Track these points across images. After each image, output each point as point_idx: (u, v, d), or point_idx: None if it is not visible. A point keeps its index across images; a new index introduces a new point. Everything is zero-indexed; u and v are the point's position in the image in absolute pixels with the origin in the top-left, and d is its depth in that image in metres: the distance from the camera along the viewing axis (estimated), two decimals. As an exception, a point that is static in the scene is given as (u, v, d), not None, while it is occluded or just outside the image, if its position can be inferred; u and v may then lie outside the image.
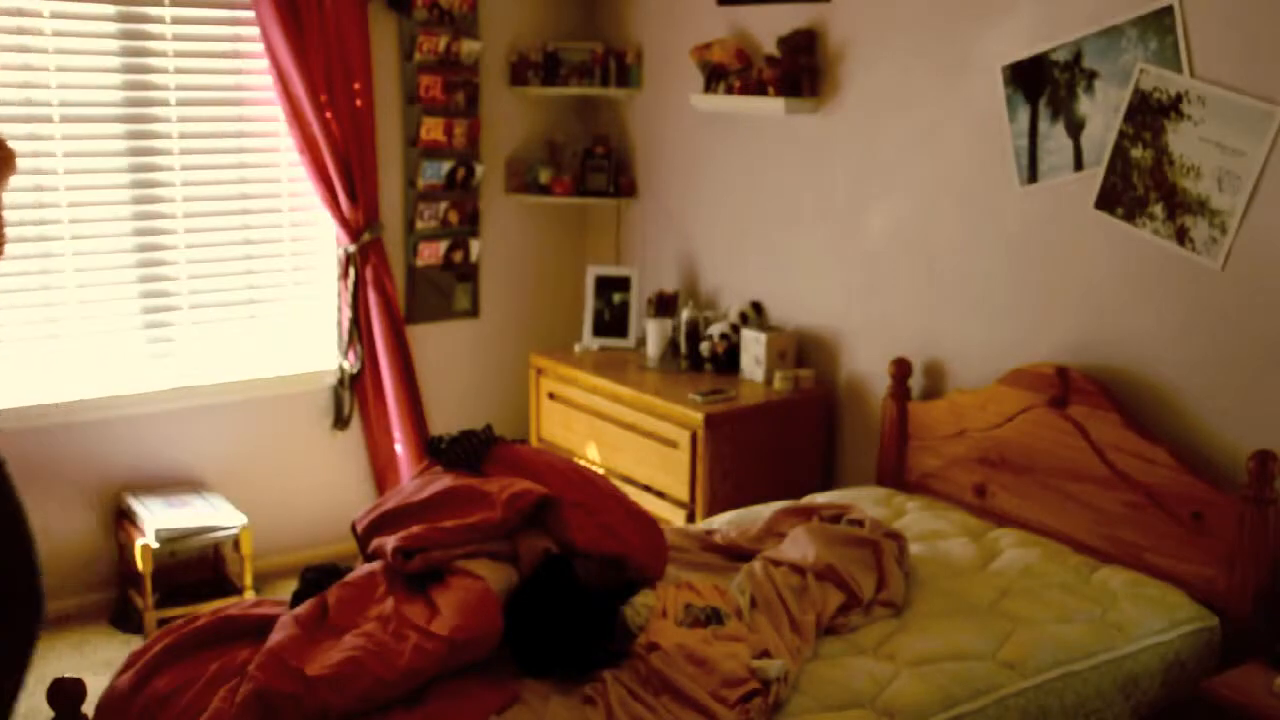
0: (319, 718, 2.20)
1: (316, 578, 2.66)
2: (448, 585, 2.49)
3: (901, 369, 3.70)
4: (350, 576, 2.62)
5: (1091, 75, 3.19)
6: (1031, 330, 3.43)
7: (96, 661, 3.77)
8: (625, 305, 4.62)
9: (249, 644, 2.43)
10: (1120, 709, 2.67)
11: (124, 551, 4.10)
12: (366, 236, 4.38)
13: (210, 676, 2.34)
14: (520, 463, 2.84)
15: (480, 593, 2.44)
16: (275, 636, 2.36)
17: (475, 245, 4.76)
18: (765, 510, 3.29)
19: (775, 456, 3.93)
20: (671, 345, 4.38)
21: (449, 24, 4.54)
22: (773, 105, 3.95)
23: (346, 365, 4.50)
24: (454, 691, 2.32)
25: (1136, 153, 3.11)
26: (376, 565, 2.64)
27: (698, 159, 4.52)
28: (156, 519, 3.91)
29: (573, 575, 2.55)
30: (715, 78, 4.19)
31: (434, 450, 2.93)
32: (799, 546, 2.91)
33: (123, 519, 4.08)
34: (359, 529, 2.82)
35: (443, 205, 4.65)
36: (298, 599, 2.58)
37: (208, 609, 2.69)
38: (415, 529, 2.61)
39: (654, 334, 4.37)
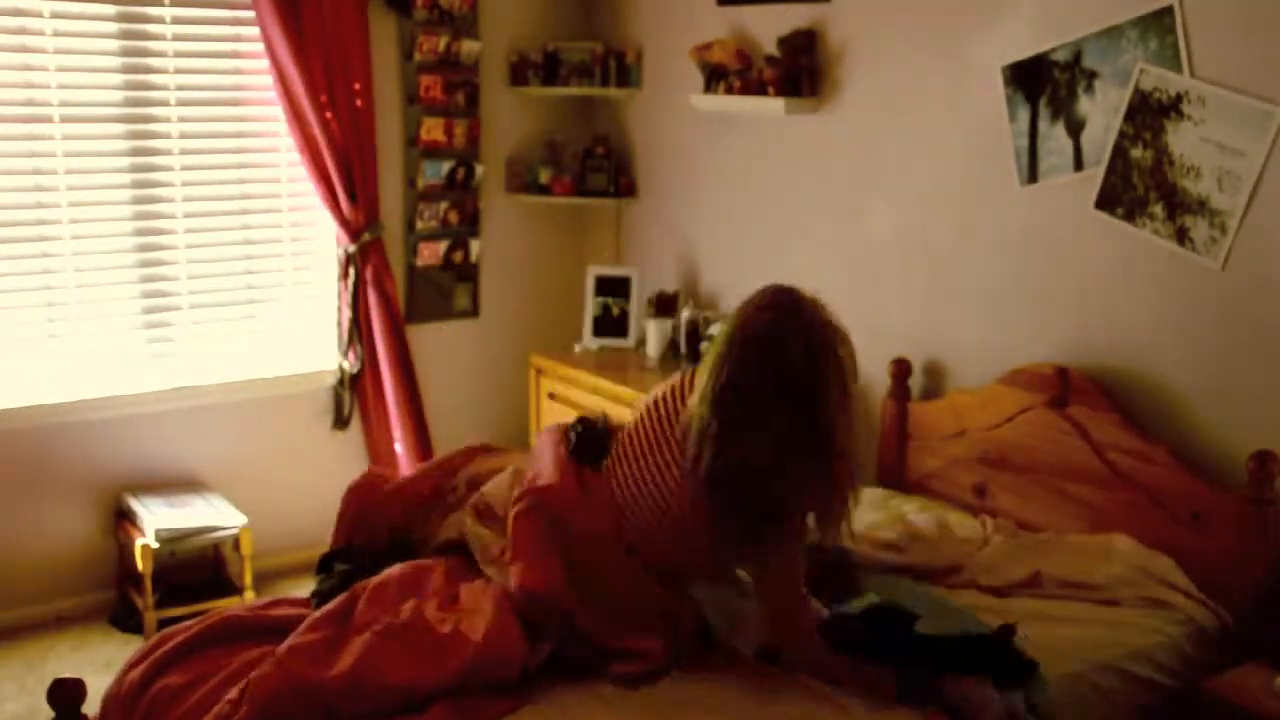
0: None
1: (348, 569, 2.65)
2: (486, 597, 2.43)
3: (901, 369, 3.70)
4: (396, 573, 2.57)
5: (1091, 75, 3.19)
6: (1031, 330, 3.43)
7: (96, 661, 3.77)
8: (624, 312, 4.61)
9: (262, 643, 2.44)
10: (1119, 708, 2.66)
11: (124, 551, 4.10)
12: (366, 236, 4.38)
13: (223, 674, 2.35)
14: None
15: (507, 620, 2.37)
16: (290, 640, 2.35)
17: (475, 245, 4.76)
18: None
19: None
20: (671, 345, 4.38)
21: (449, 24, 4.54)
22: (773, 105, 3.95)
23: (346, 365, 4.51)
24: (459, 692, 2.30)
25: (1136, 153, 3.11)
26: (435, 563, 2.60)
27: (698, 159, 4.52)
28: (156, 519, 3.91)
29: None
30: (715, 78, 4.19)
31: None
32: None
33: (123, 519, 4.08)
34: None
35: (443, 205, 4.65)
36: (323, 597, 2.58)
37: (208, 609, 2.69)
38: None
39: (654, 334, 4.38)
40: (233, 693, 2.24)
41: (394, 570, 2.58)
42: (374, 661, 2.27)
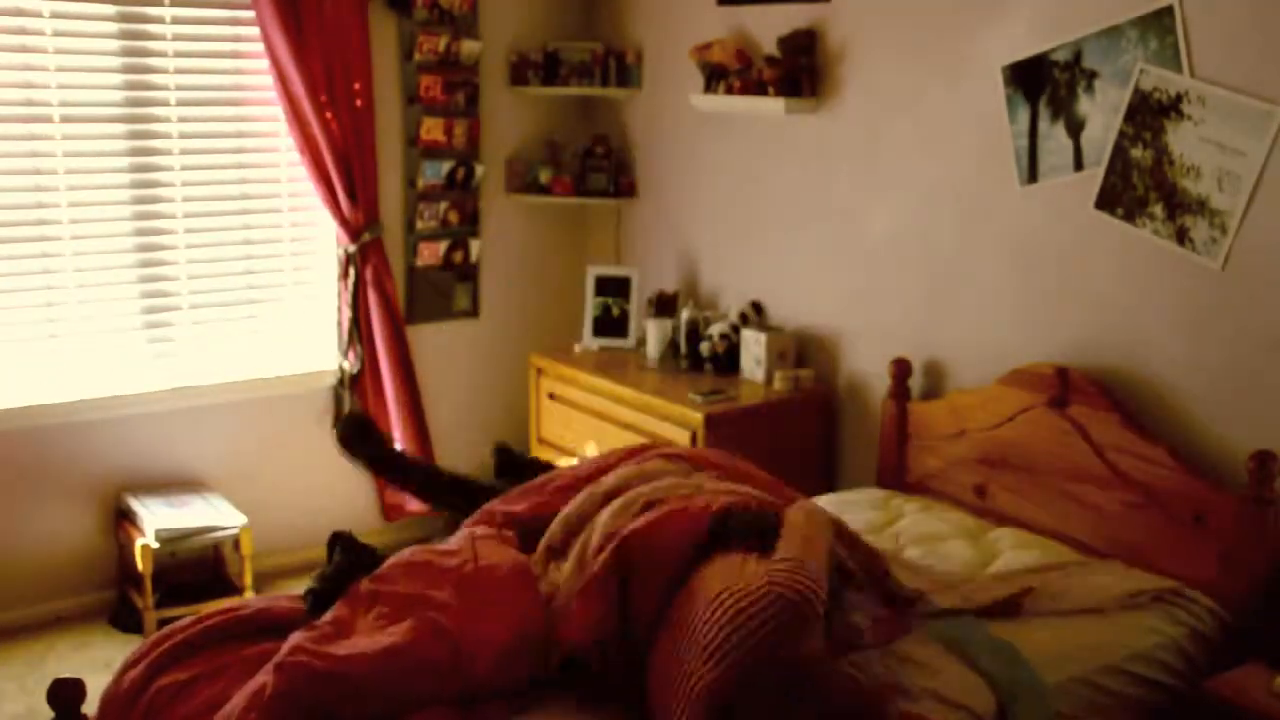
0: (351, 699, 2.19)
1: (343, 564, 2.67)
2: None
3: (901, 369, 3.70)
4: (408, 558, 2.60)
5: (1091, 75, 3.19)
6: (1031, 330, 3.43)
7: (96, 661, 3.77)
8: (624, 312, 4.61)
9: (262, 640, 2.45)
10: (1120, 709, 2.66)
11: (124, 551, 4.10)
12: (366, 236, 4.38)
13: (223, 672, 2.36)
14: None
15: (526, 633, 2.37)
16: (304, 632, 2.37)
17: (475, 245, 4.76)
18: None
19: (775, 457, 3.91)
20: (671, 345, 4.38)
21: (449, 24, 4.54)
22: (773, 105, 3.95)
23: (346, 365, 4.50)
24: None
25: (1136, 153, 3.11)
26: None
27: (698, 159, 4.52)
28: (156, 519, 3.91)
29: None
30: (715, 78, 4.19)
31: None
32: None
33: (123, 519, 4.08)
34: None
35: (443, 205, 4.65)
36: (316, 595, 2.59)
37: (208, 609, 2.69)
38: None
39: (654, 334, 4.38)
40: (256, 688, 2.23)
41: (402, 558, 2.61)
42: (405, 648, 2.27)
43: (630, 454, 3.03)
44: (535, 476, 3.08)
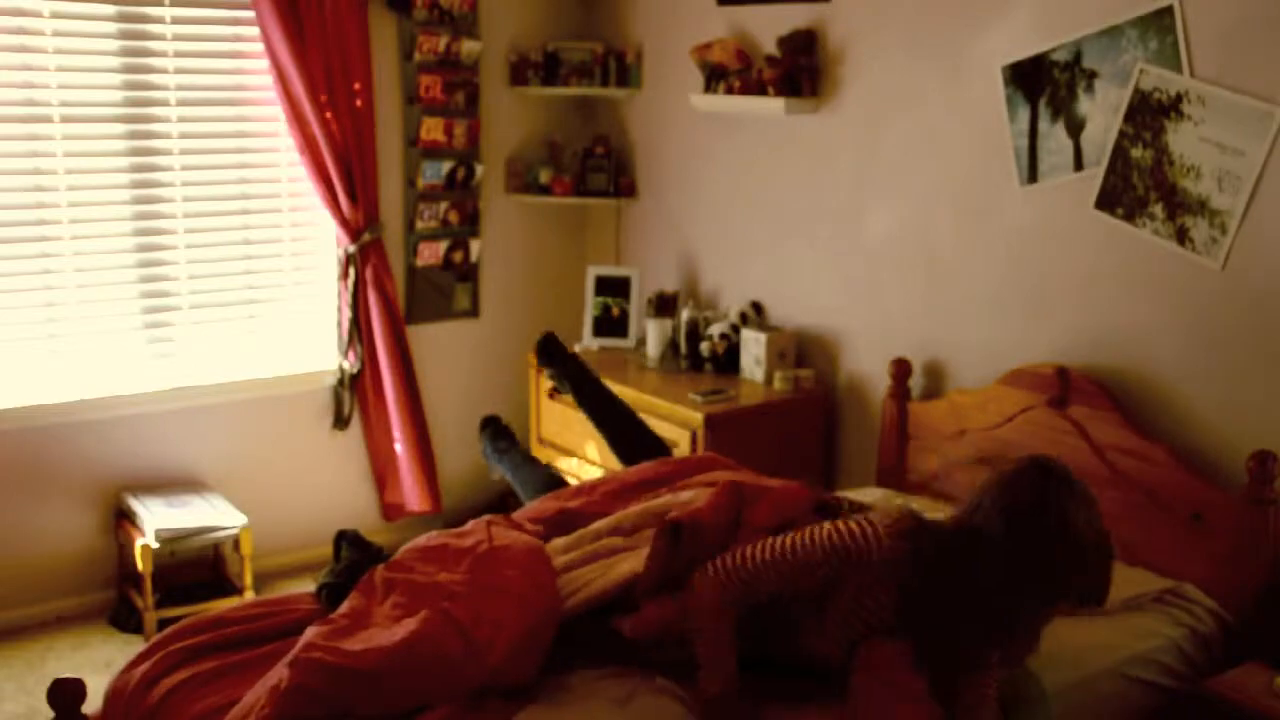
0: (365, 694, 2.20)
1: (352, 562, 2.68)
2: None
3: (901, 369, 3.70)
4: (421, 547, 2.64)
5: (1091, 75, 3.19)
6: (1031, 330, 3.43)
7: (96, 661, 3.77)
8: (624, 312, 4.62)
9: (269, 639, 2.45)
10: (1119, 709, 2.66)
11: (124, 551, 4.10)
12: (366, 237, 4.38)
13: (234, 669, 2.36)
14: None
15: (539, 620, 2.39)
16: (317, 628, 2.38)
17: (475, 245, 4.76)
18: None
19: (775, 457, 3.93)
20: (671, 345, 4.38)
21: (449, 24, 4.54)
22: (773, 105, 3.95)
23: (346, 365, 4.50)
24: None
25: (1136, 153, 3.11)
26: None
27: (698, 159, 4.53)
28: (156, 519, 3.91)
29: None
30: (715, 78, 4.19)
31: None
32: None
33: (123, 519, 4.08)
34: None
35: (443, 205, 4.65)
36: (333, 592, 2.60)
37: (208, 609, 2.70)
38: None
39: (654, 334, 4.38)
40: (275, 676, 2.23)
41: (417, 543, 2.64)
42: (422, 639, 2.27)
43: (701, 464, 3.08)
44: (571, 368, 3.68)
